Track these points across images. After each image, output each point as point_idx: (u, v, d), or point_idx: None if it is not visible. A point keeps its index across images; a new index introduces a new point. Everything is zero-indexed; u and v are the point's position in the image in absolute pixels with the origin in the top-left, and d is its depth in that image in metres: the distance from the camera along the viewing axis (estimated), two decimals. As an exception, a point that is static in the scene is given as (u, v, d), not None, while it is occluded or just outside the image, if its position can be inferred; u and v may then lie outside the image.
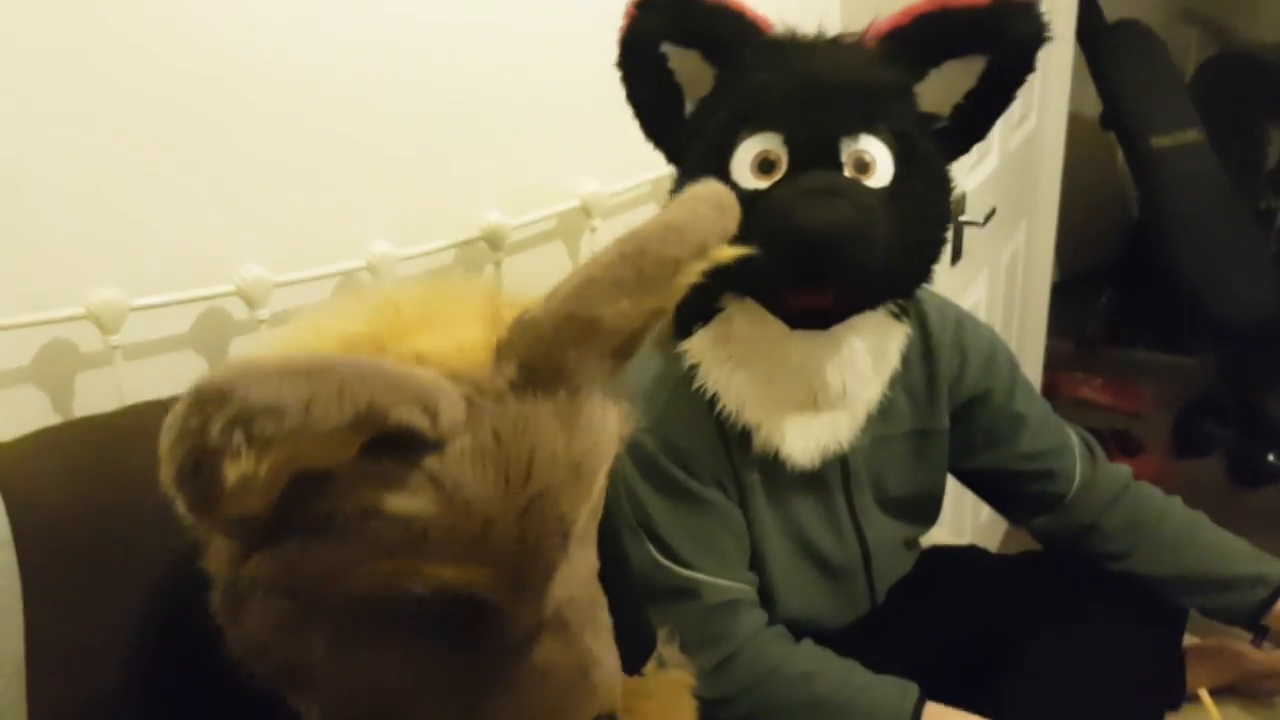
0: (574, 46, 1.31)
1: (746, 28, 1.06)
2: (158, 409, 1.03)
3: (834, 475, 1.18)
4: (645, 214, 1.04)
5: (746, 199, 0.99)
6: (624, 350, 0.73)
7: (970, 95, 1.08)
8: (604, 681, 0.70)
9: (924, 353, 1.20)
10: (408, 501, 0.62)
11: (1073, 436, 1.29)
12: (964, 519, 2.28)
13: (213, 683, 0.79)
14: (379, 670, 0.68)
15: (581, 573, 0.72)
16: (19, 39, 0.98)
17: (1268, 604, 1.19)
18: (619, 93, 1.12)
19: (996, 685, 1.16)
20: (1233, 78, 3.61)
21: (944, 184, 1.08)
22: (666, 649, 1.03)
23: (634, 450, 1.13)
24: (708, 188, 0.76)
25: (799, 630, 1.18)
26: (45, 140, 1.02)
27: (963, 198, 1.74)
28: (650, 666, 1.00)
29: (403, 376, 0.60)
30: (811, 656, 1.14)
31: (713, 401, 1.11)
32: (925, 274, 1.09)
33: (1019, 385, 1.25)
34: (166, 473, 0.58)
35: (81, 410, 1.07)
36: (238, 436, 0.54)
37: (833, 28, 1.09)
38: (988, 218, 1.82)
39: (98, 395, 1.08)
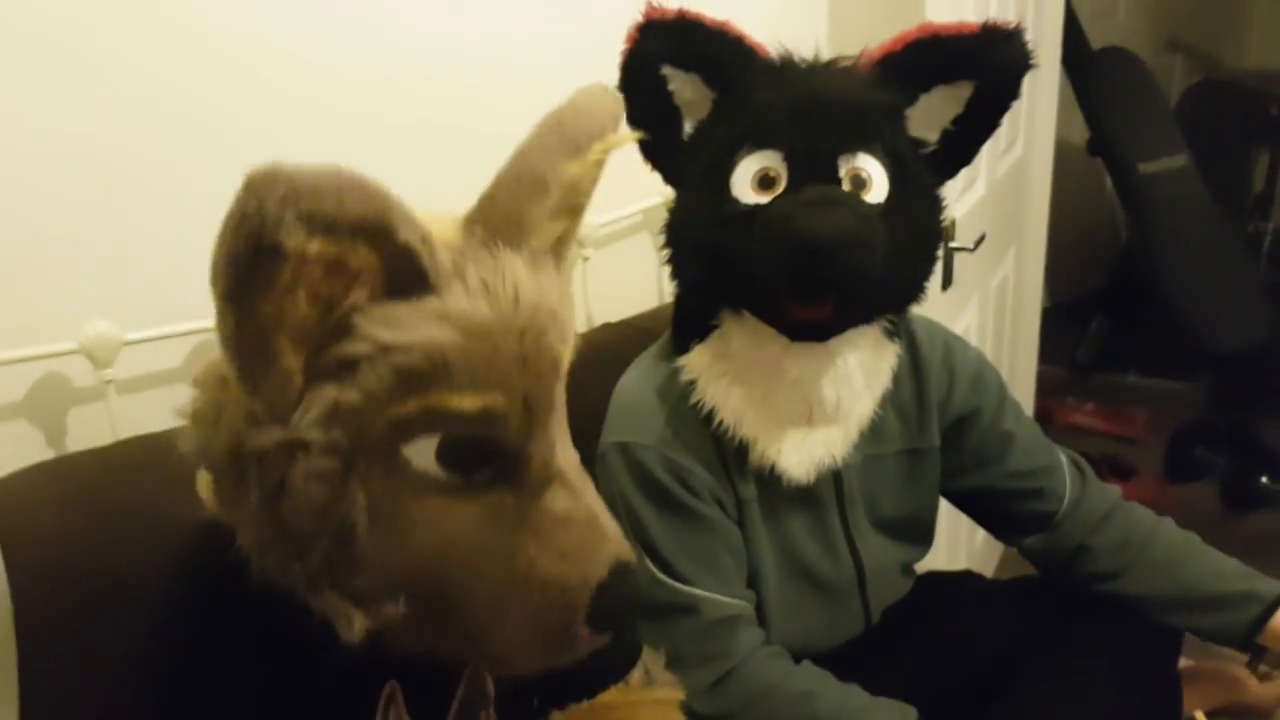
0: (564, 77, 1.32)
1: (745, 52, 1.08)
2: (151, 443, 1.04)
3: (828, 493, 1.18)
4: (636, 243, 1.05)
5: (748, 214, 1.02)
6: (571, 210, 0.84)
7: (958, 120, 1.10)
8: (614, 528, 0.77)
9: (913, 372, 1.21)
10: (425, 331, 0.68)
11: (1062, 456, 1.29)
12: (959, 544, 2.27)
13: (210, 707, 0.80)
14: (418, 533, 0.71)
15: (571, 450, 0.79)
16: (8, 75, 0.99)
17: (1260, 621, 1.18)
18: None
19: (993, 711, 1.16)
20: (1218, 104, 3.65)
21: (936, 204, 1.11)
22: (654, 665, 1.03)
23: (632, 467, 1.13)
24: (596, 86, 0.88)
25: (793, 653, 1.18)
26: (38, 176, 1.02)
27: (952, 224, 1.76)
28: (638, 680, 1.00)
29: (407, 208, 0.67)
30: (811, 676, 1.14)
31: (710, 417, 1.12)
32: (919, 290, 1.11)
33: (1007, 405, 1.26)
34: (220, 259, 0.62)
35: (75, 444, 1.08)
36: (290, 212, 0.60)
37: (821, 51, 1.10)
38: (978, 243, 1.83)
39: (91, 429, 1.08)
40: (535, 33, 1.44)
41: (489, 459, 0.73)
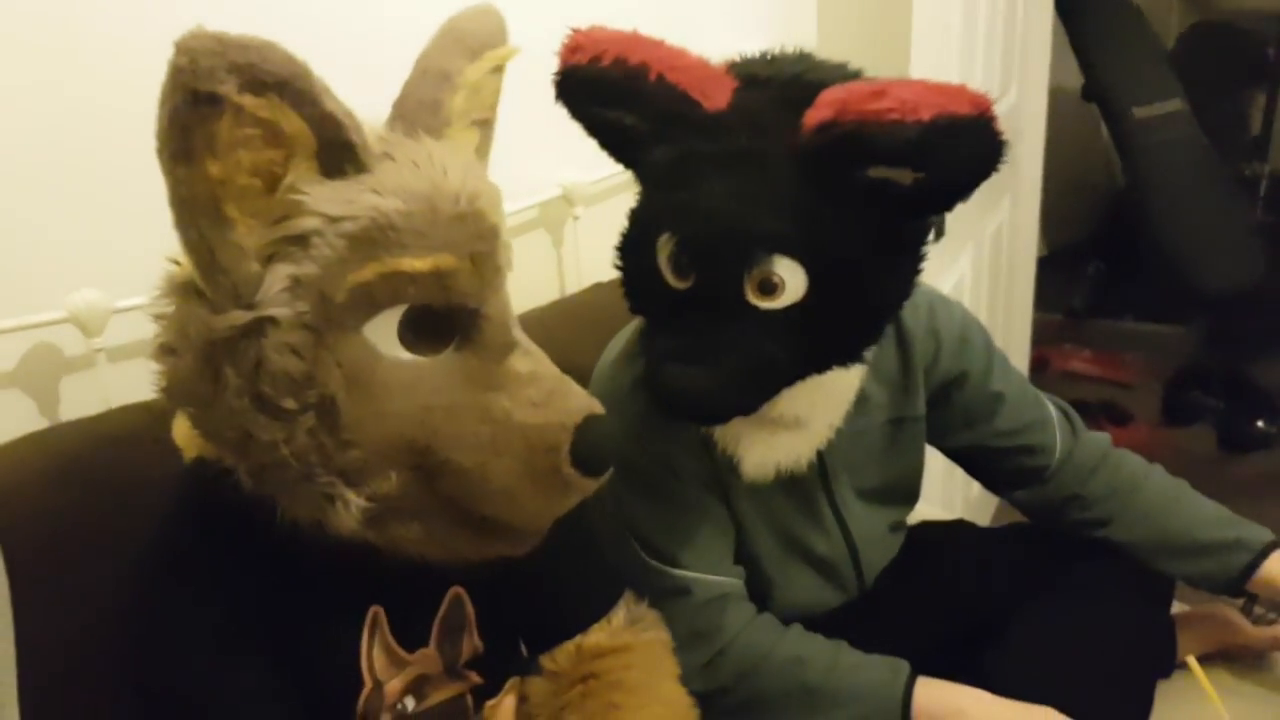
0: (551, 37, 1.31)
1: (668, 96, 0.96)
2: (142, 411, 1.04)
3: (811, 474, 1.18)
4: (628, 201, 1.04)
5: (670, 298, 0.98)
6: (481, 123, 0.92)
7: (921, 181, 0.92)
8: (580, 389, 0.82)
9: (898, 341, 1.20)
10: (368, 200, 0.73)
11: (1051, 409, 1.29)
12: (954, 494, 2.29)
13: (201, 670, 0.81)
14: (396, 401, 0.74)
15: (527, 338, 0.83)
16: (-9, 44, 0.98)
17: (1250, 569, 1.19)
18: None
19: (987, 658, 1.16)
20: (1213, 46, 3.63)
21: (874, 278, 0.98)
22: (636, 605, 1.04)
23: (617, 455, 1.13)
24: (482, 2, 0.92)
25: (791, 618, 1.19)
26: (23, 144, 1.01)
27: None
28: (620, 621, 1.01)
29: (330, 89, 0.71)
30: (799, 641, 1.15)
31: None
32: (853, 356, 1.04)
33: (995, 363, 1.25)
34: (162, 121, 0.67)
35: (67, 413, 1.08)
36: (220, 63, 0.64)
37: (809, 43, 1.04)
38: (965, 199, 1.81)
39: (83, 398, 1.08)
40: None
41: (449, 332, 0.78)
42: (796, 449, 1.12)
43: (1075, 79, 3.16)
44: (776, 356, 0.96)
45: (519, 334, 0.82)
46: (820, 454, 1.16)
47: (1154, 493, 1.25)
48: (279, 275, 0.71)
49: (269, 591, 0.82)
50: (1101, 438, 1.30)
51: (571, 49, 0.98)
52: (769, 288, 0.94)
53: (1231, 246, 3.06)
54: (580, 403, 0.79)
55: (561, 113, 1.05)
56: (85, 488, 0.98)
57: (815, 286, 0.94)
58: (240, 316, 0.71)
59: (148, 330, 0.97)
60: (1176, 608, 1.38)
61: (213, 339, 0.72)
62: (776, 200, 0.93)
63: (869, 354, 1.07)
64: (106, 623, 0.83)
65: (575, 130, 1.05)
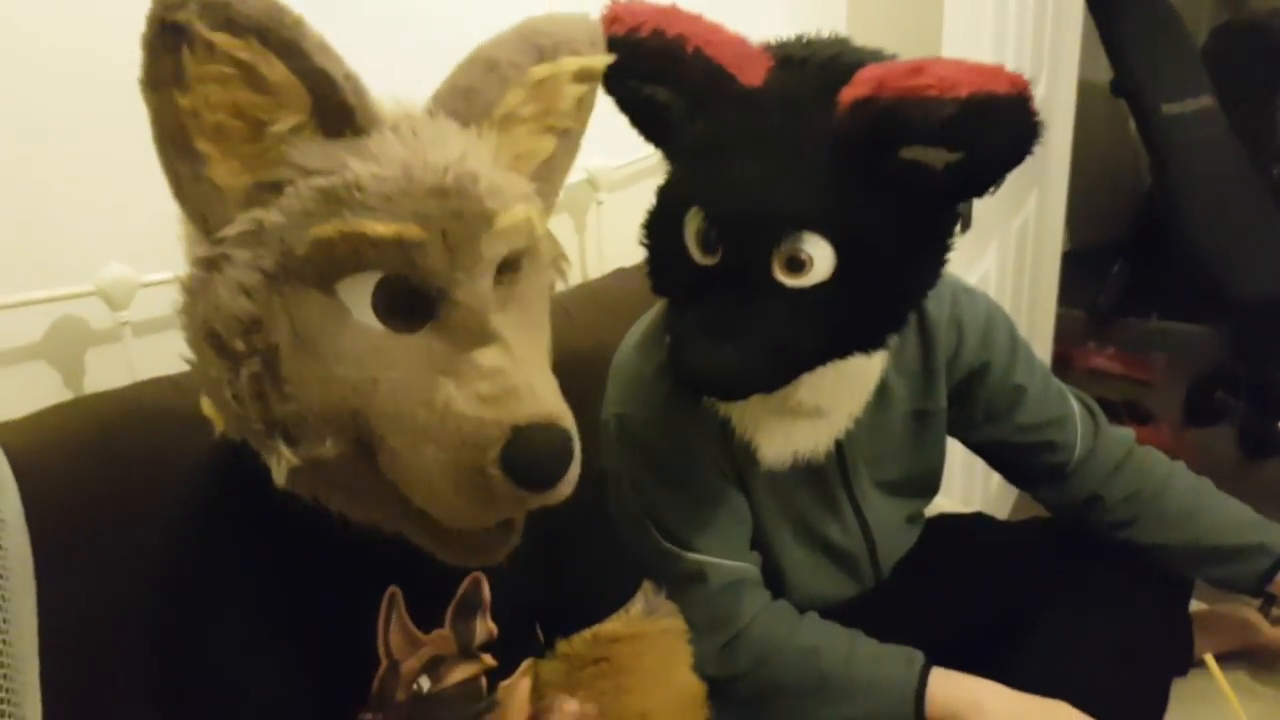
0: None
1: (705, 69, 0.96)
2: (167, 385, 1.05)
3: (830, 465, 1.18)
4: (652, 187, 1.04)
5: (695, 274, 0.97)
6: (561, 132, 0.90)
7: (953, 165, 0.91)
8: (551, 397, 0.76)
9: (920, 332, 1.19)
10: (347, 159, 0.73)
11: (1074, 405, 1.28)
12: (974, 487, 2.28)
13: (221, 641, 0.81)
14: (344, 367, 0.73)
15: (533, 341, 0.82)
16: (26, 25, 0.99)
17: (1272, 572, 1.19)
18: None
19: (1004, 653, 1.16)
20: (1245, 45, 3.58)
21: (904, 258, 0.97)
22: (654, 596, 1.04)
23: (632, 438, 1.13)
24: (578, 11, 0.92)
25: (807, 607, 1.19)
26: (52, 120, 1.02)
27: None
28: (639, 611, 1.01)
29: (329, 46, 0.72)
30: (816, 630, 1.15)
31: None
32: (880, 339, 1.03)
33: (1018, 356, 1.24)
34: (143, 54, 0.69)
35: (92, 386, 1.09)
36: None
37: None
38: (997, 185, 1.80)
39: (108, 371, 1.09)
40: None
41: (425, 313, 0.76)
42: (815, 438, 1.11)
43: (1104, 73, 3.13)
44: (801, 336, 0.95)
45: (505, 330, 0.77)
46: (839, 444, 1.15)
47: (1177, 495, 1.24)
48: (246, 218, 0.72)
49: (288, 567, 0.82)
50: (1125, 435, 1.29)
51: (610, 20, 0.98)
52: (796, 265, 0.93)
53: (1260, 249, 3.03)
54: (535, 409, 0.73)
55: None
56: (110, 460, 0.99)
57: (843, 266, 0.93)
58: (204, 248, 0.73)
59: (174, 305, 0.98)
60: (1195, 606, 1.37)
61: (190, 274, 0.74)
62: (809, 177, 0.92)
63: (891, 344, 1.07)
64: (131, 595, 0.83)
65: (600, 115, 1.05)
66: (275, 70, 0.70)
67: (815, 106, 0.93)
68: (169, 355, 1.07)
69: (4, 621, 0.79)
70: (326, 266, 0.73)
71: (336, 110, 0.73)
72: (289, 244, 0.72)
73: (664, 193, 1.02)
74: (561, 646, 0.99)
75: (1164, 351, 3.48)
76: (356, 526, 0.78)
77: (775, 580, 1.20)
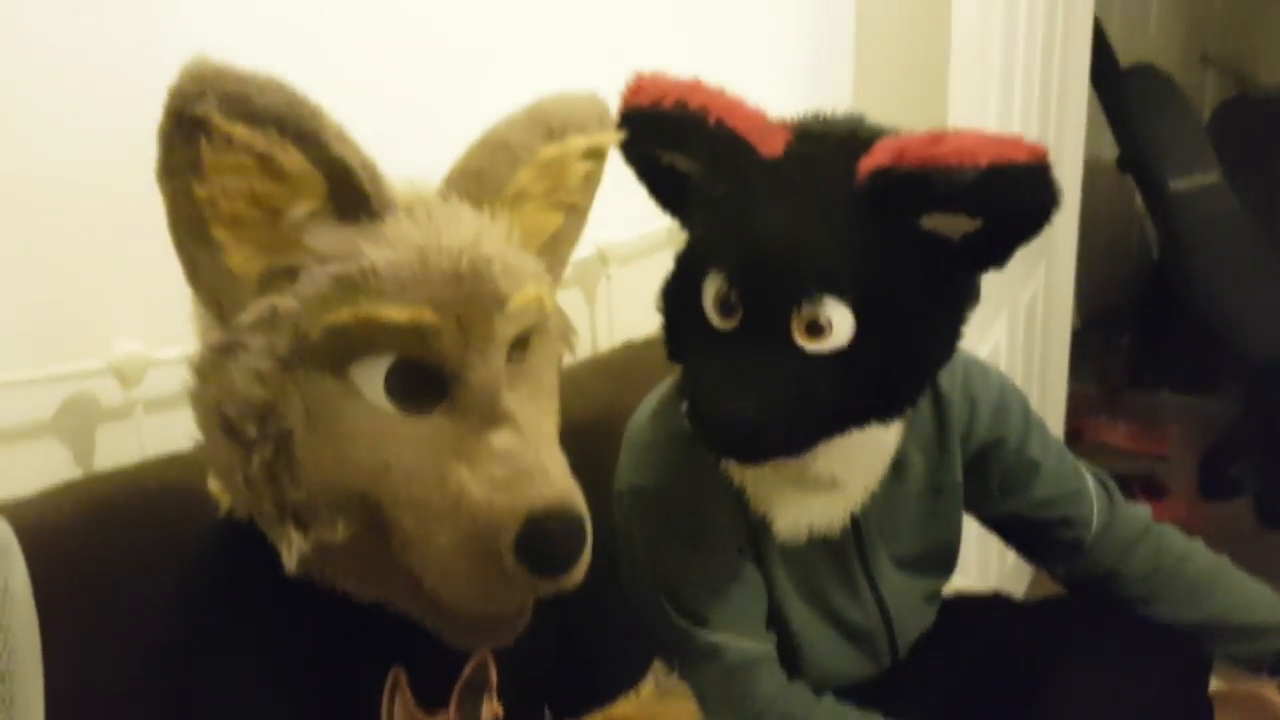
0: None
1: (727, 140, 0.98)
2: (178, 462, 1.04)
3: (846, 540, 1.16)
4: (662, 260, 1.05)
5: (713, 339, 0.98)
6: (569, 208, 0.91)
7: (972, 235, 0.94)
8: (564, 480, 0.76)
9: (934, 406, 1.19)
10: (362, 244, 0.73)
11: (1089, 480, 1.27)
12: (990, 564, 2.25)
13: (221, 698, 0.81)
14: (356, 450, 0.73)
15: (543, 419, 0.82)
16: (36, 93, 1.00)
17: None
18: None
19: (1021, 733, 1.14)
20: (1251, 120, 3.62)
21: (923, 328, 0.98)
22: (665, 676, 1.02)
23: (648, 511, 1.13)
24: (585, 91, 0.93)
25: (822, 686, 1.17)
26: (66, 195, 1.03)
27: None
28: (649, 692, 1.00)
29: (347, 134, 0.73)
30: (832, 712, 1.13)
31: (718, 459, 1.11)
32: (896, 409, 1.03)
33: (1032, 430, 1.24)
34: (159, 145, 0.69)
35: (103, 463, 1.08)
36: (211, 90, 0.67)
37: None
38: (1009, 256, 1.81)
39: (119, 448, 1.09)
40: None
41: (437, 394, 0.76)
42: (830, 511, 1.11)
43: (1110, 149, 3.16)
44: (820, 399, 0.95)
45: (517, 409, 0.77)
46: (855, 519, 1.14)
47: (1195, 572, 1.22)
48: (262, 304, 0.73)
49: (292, 647, 0.82)
50: (1141, 512, 1.28)
51: (634, 90, 1.01)
52: (816, 329, 0.94)
53: (1272, 318, 3.03)
54: (548, 493, 0.73)
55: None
56: (120, 537, 0.98)
57: (862, 332, 0.94)
58: (217, 336, 0.73)
59: (186, 381, 0.98)
60: (1214, 685, 1.35)
61: (202, 357, 0.74)
62: (831, 239, 0.93)
63: (906, 418, 1.07)
64: (137, 672, 0.82)
65: (611, 191, 1.06)
66: (292, 159, 0.70)
67: (836, 175, 0.95)
68: (180, 432, 1.07)
69: (11, 698, 0.78)
70: (341, 351, 0.73)
71: (352, 196, 0.74)
72: (304, 329, 0.72)
73: (682, 258, 1.03)
74: None
75: (1176, 424, 3.46)
76: (361, 606, 0.78)
77: (790, 659, 1.18)
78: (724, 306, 0.97)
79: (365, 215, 0.75)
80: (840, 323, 0.93)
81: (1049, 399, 2.71)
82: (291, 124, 0.69)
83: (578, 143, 0.90)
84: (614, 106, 1.00)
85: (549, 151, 0.87)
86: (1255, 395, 3.24)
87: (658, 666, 1.02)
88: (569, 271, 1.53)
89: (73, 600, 0.93)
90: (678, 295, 1.03)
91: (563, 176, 0.90)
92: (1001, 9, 1.85)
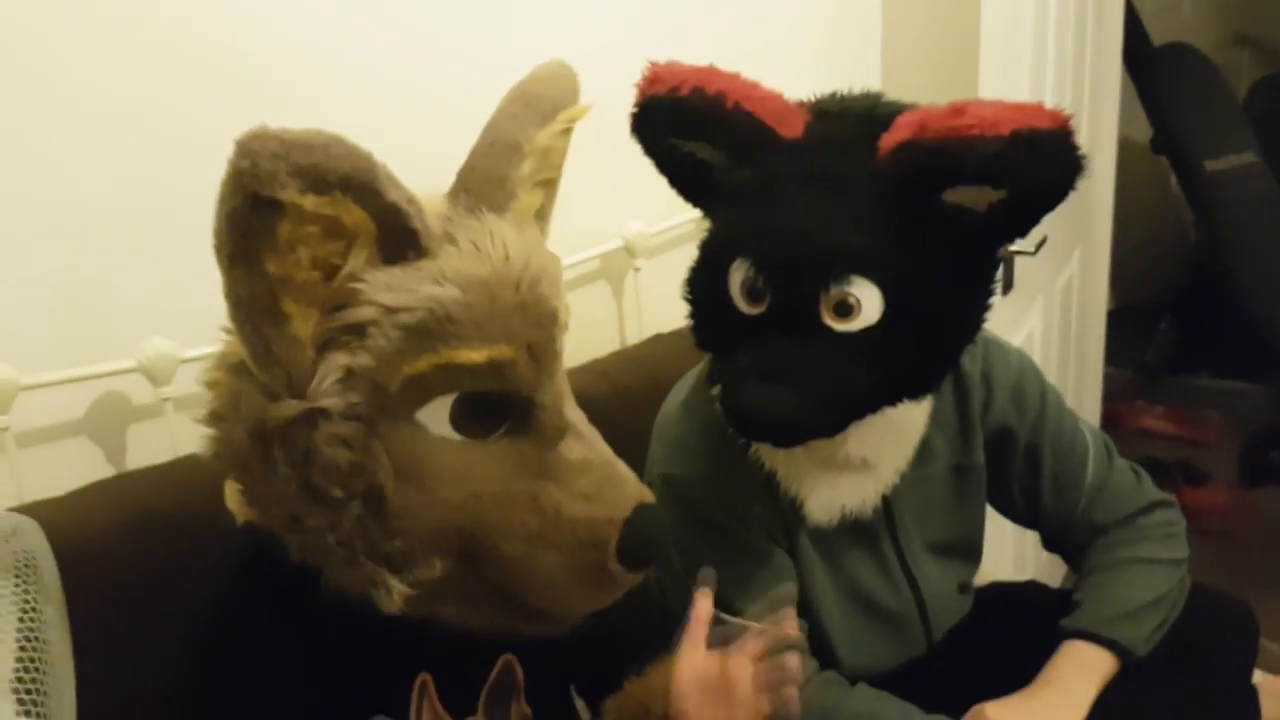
0: (612, 91, 1.32)
1: (747, 123, 0.98)
2: (208, 460, 1.04)
3: (879, 522, 1.16)
4: (689, 253, 1.04)
5: (732, 329, 0.98)
6: (545, 183, 0.90)
7: (997, 205, 0.93)
8: (631, 475, 0.81)
9: (955, 387, 1.17)
10: (426, 290, 0.71)
11: (1090, 468, 1.23)
12: (1025, 554, 2.23)
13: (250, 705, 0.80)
14: (445, 489, 0.74)
15: (577, 408, 0.83)
16: (67, 97, 1.01)
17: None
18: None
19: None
20: (1286, 99, 3.56)
21: (949, 303, 0.98)
22: None
23: (679, 499, 1.12)
24: (553, 61, 0.91)
25: (856, 676, 1.16)
26: (96, 198, 1.04)
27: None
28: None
29: (391, 172, 0.70)
30: (867, 699, 1.12)
31: (747, 445, 1.10)
32: (926, 387, 1.04)
33: (1048, 413, 1.21)
34: (221, 221, 0.66)
35: (134, 461, 1.09)
36: (282, 166, 0.63)
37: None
38: (1039, 246, 1.79)
39: (150, 446, 1.09)
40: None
41: (501, 416, 0.77)
42: (862, 492, 1.10)
43: (1145, 131, 3.12)
44: (853, 378, 0.95)
45: (572, 414, 0.81)
46: (886, 501, 1.14)
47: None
48: (333, 365, 0.71)
49: (317, 657, 0.81)
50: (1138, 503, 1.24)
51: (650, 80, 1.00)
52: (845, 310, 0.94)
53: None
54: (630, 493, 0.79)
55: (623, 164, 1.05)
56: (152, 535, 0.99)
57: (891, 310, 0.94)
58: (293, 407, 0.70)
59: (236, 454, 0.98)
60: (1258, 676, 1.33)
61: (264, 428, 0.72)
62: (856, 219, 0.94)
63: (922, 423, 1.08)
64: (168, 673, 0.82)
65: (637, 183, 1.05)
66: (353, 215, 0.69)
67: (858, 153, 0.95)
68: (209, 430, 1.08)
69: (44, 693, 0.79)
70: (417, 397, 0.73)
71: (401, 236, 0.72)
72: (381, 384, 0.71)
73: (707, 246, 1.03)
74: (609, 705, 0.97)
75: (1216, 410, 3.41)
76: (385, 616, 0.77)
77: (822, 648, 1.17)
78: (751, 293, 0.97)
79: (413, 252, 0.73)
80: (869, 302, 0.94)
81: (1086, 384, 2.68)
82: (355, 180, 0.67)
83: (563, 120, 0.89)
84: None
85: (544, 139, 0.87)
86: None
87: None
88: (597, 265, 1.53)
89: (106, 597, 0.94)
90: (704, 284, 1.02)
91: (549, 156, 0.90)
92: (1032, -7, 1.83)
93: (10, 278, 1.00)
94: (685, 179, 1.06)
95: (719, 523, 1.12)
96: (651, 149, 1.04)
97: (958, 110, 0.88)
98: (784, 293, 0.95)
